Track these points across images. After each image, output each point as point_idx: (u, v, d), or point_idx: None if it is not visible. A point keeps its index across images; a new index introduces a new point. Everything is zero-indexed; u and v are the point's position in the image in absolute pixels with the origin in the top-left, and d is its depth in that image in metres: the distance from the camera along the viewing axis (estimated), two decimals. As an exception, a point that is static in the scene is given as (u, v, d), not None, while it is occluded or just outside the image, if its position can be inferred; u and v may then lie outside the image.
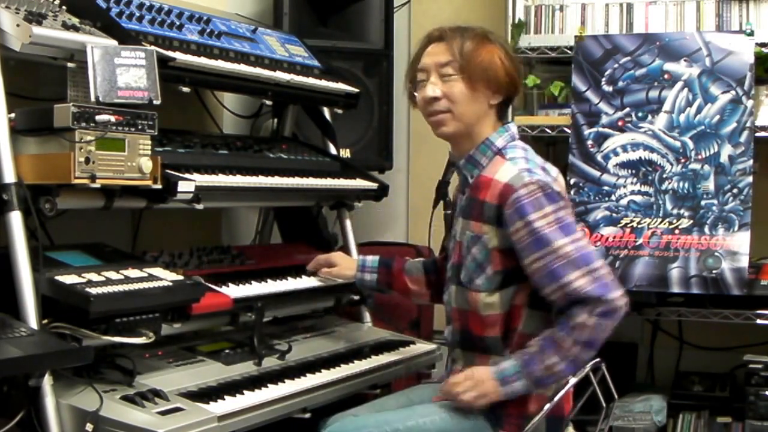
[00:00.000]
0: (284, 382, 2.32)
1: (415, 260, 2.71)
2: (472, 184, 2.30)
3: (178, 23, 2.52)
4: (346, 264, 2.71)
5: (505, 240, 2.22)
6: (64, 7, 2.24)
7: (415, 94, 2.37)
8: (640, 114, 3.34)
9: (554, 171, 2.31)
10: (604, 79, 3.38)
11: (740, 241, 3.19)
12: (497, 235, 2.23)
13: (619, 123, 3.36)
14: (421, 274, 2.65)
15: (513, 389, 2.19)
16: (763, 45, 3.28)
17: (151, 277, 2.14)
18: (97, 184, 2.02)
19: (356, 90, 3.02)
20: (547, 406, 2.20)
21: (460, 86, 2.27)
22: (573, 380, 2.21)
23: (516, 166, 2.23)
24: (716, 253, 3.20)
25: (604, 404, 2.33)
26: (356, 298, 2.92)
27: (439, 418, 2.20)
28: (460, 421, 2.20)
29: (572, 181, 3.38)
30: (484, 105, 2.29)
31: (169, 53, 2.34)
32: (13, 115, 2.04)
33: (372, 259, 2.68)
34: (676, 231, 3.26)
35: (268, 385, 2.27)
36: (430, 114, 2.33)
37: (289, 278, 2.66)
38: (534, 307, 2.25)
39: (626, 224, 3.32)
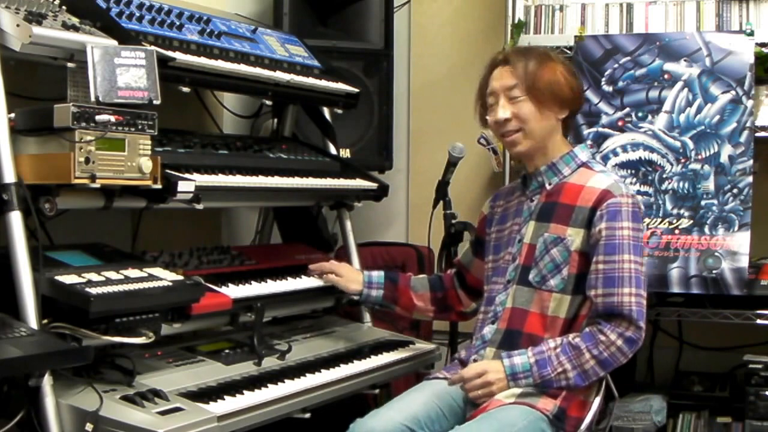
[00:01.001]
0: (284, 382, 2.32)
1: (420, 277, 2.76)
2: (551, 190, 2.42)
3: (178, 23, 2.52)
4: (352, 277, 2.73)
5: (587, 242, 2.33)
6: (64, 7, 2.24)
7: (487, 117, 2.48)
8: (640, 114, 3.34)
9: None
10: (604, 79, 3.38)
11: (740, 241, 3.19)
12: (582, 238, 2.34)
13: (619, 123, 3.36)
14: (427, 291, 2.71)
15: (518, 385, 2.29)
16: (763, 45, 3.28)
17: (151, 277, 2.14)
18: (97, 184, 2.02)
19: (356, 90, 3.02)
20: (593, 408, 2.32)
21: (528, 106, 2.39)
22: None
23: (610, 177, 2.39)
24: (716, 253, 3.20)
25: (617, 395, 2.43)
26: (356, 298, 2.91)
27: (523, 426, 2.21)
28: (533, 425, 2.23)
29: (572, 181, 3.38)
30: (552, 120, 2.43)
31: (169, 53, 2.34)
32: (13, 115, 2.04)
33: (377, 275, 2.72)
34: (676, 231, 3.26)
35: (268, 385, 2.27)
36: (503, 135, 2.46)
37: (288, 278, 2.66)
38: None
39: (626, 224, 3.31)
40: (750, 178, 3.21)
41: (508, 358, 2.30)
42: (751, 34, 3.25)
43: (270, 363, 2.44)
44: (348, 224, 3.09)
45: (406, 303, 2.70)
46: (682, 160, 3.28)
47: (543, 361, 2.27)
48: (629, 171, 3.33)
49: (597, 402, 2.34)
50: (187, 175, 2.29)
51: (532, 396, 2.28)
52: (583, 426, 2.29)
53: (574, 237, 2.34)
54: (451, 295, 2.70)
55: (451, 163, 2.89)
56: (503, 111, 2.40)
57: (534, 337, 2.34)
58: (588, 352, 2.25)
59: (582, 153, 2.46)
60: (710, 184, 3.24)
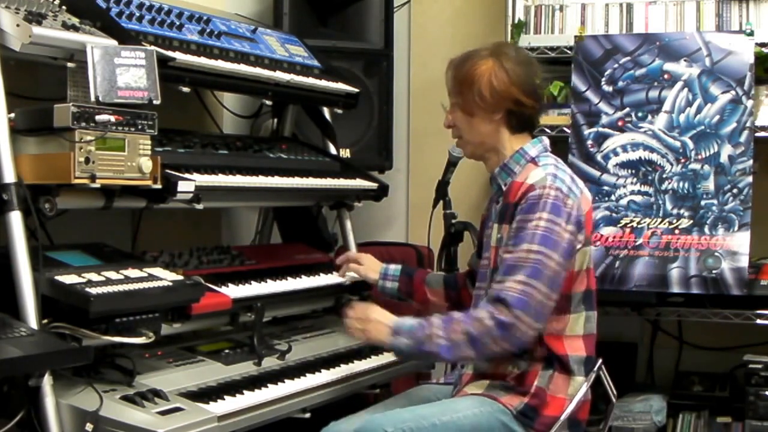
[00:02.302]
0: (284, 382, 2.33)
1: (437, 273, 2.77)
2: (505, 191, 2.37)
3: (178, 23, 2.52)
4: (372, 266, 2.76)
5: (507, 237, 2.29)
6: (64, 7, 2.24)
7: None
8: (640, 114, 3.34)
9: (582, 186, 2.37)
10: (603, 79, 3.38)
11: (740, 241, 3.18)
12: (506, 234, 2.30)
13: (619, 123, 3.36)
14: (441, 288, 2.71)
15: (398, 343, 2.26)
16: (763, 45, 3.28)
17: (151, 277, 2.14)
18: (97, 184, 2.02)
19: (356, 90, 3.02)
20: (569, 408, 2.25)
21: (458, 114, 2.41)
22: (585, 386, 2.27)
23: (545, 171, 2.31)
24: (716, 253, 3.20)
25: (617, 395, 2.39)
26: (356, 298, 2.91)
27: (472, 413, 2.22)
28: (491, 416, 2.23)
29: (572, 181, 3.38)
30: (487, 123, 2.38)
31: (169, 53, 2.34)
32: (13, 115, 2.04)
33: (394, 268, 2.74)
34: (676, 231, 3.26)
35: (268, 385, 2.27)
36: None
37: (288, 278, 2.66)
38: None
39: (626, 224, 3.32)
40: (750, 178, 3.20)
41: (402, 318, 2.30)
42: (751, 34, 3.25)
43: (270, 363, 2.44)
44: (348, 224, 3.09)
45: (420, 297, 2.71)
46: (682, 160, 3.28)
47: (424, 325, 2.25)
48: (629, 171, 3.33)
49: (575, 401, 2.27)
50: (187, 175, 2.29)
51: (498, 390, 2.28)
52: (556, 426, 2.24)
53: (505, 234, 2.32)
54: (464, 294, 2.69)
55: (451, 163, 2.89)
56: (447, 118, 2.44)
57: None
58: (460, 324, 2.22)
59: (532, 149, 2.38)
60: (710, 184, 3.24)
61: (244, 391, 2.19)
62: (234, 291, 2.42)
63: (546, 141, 2.43)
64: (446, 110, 2.45)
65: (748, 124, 3.21)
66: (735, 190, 3.21)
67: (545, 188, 2.25)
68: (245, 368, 2.36)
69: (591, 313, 2.35)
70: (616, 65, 3.37)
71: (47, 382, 1.89)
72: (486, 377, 2.33)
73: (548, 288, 2.21)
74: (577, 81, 3.42)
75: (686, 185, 3.27)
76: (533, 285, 2.19)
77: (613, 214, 3.33)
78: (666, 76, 3.31)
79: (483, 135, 2.39)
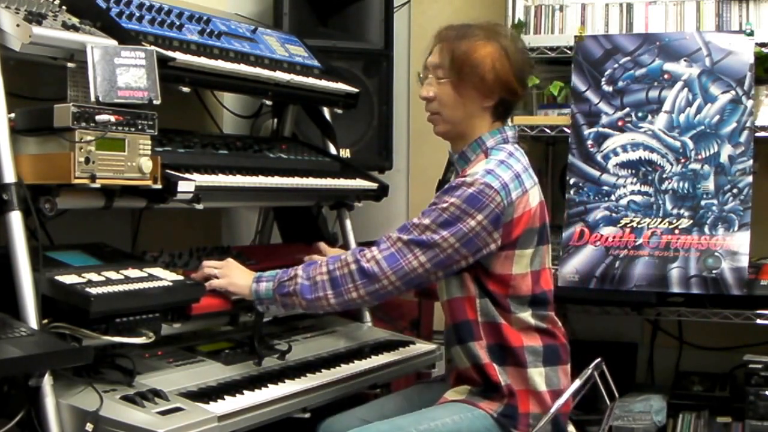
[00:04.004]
0: (284, 382, 2.32)
1: None
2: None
3: (178, 23, 2.52)
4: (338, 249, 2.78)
5: None
6: (64, 7, 2.24)
7: None
8: (640, 114, 3.34)
9: (532, 186, 2.28)
10: (603, 79, 3.38)
11: (740, 241, 3.19)
12: None
13: (619, 123, 3.36)
14: None
15: (260, 288, 2.30)
16: (763, 45, 3.28)
17: (151, 277, 2.14)
18: (97, 184, 2.02)
19: (356, 90, 3.02)
20: (557, 404, 2.20)
21: (447, 90, 2.30)
22: (577, 382, 2.22)
23: (487, 165, 2.24)
24: (716, 253, 3.20)
25: (617, 395, 2.36)
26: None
27: (451, 420, 2.20)
28: (472, 423, 2.21)
29: (572, 181, 3.38)
30: (474, 108, 2.30)
31: (169, 53, 2.34)
32: (13, 115, 2.03)
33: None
34: (676, 231, 3.26)
35: (268, 385, 2.27)
36: (426, 112, 2.37)
37: (289, 278, 2.65)
38: (486, 295, 2.27)
39: (626, 224, 3.32)
40: (750, 178, 3.21)
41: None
42: (751, 34, 3.25)
43: (270, 363, 2.44)
44: (348, 224, 3.09)
45: None
46: (682, 160, 3.28)
47: (288, 270, 2.29)
48: (629, 171, 3.33)
49: (563, 398, 2.23)
50: (187, 175, 2.29)
51: (476, 396, 2.26)
52: (541, 423, 2.20)
53: None
54: (434, 285, 2.65)
55: (452, 163, 2.88)
56: (427, 89, 2.32)
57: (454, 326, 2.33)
58: (324, 266, 2.25)
59: (490, 139, 2.31)
60: (710, 184, 3.25)
61: (244, 391, 2.19)
62: (234, 291, 2.41)
63: (509, 132, 2.34)
64: (424, 80, 2.34)
65: (748, 124, 3.22)
66: (735, 190, 3.21)
67: (473, 179, 2.19)
68: (245, 368, 2.36)
69: (545, 313, 2.32)
70: (616, 65, 3.37)
71: (47, 382, 1.89)
72: (465, 381, 2.32)
73: (430, 263, 2.19)
74: (577, 81, 3.42)
75: (686, 185, 3.27)
76: (414, 252, 2.19)
77: (613, 214, 3.33)
78: (666, 76, 3.32)
79: (465, 116, 2.31)
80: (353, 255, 2.24)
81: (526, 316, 2.27)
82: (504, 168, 2.24)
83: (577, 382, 2.22)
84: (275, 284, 2.29)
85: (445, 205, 2.18)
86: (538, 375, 2.25)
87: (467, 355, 2.29)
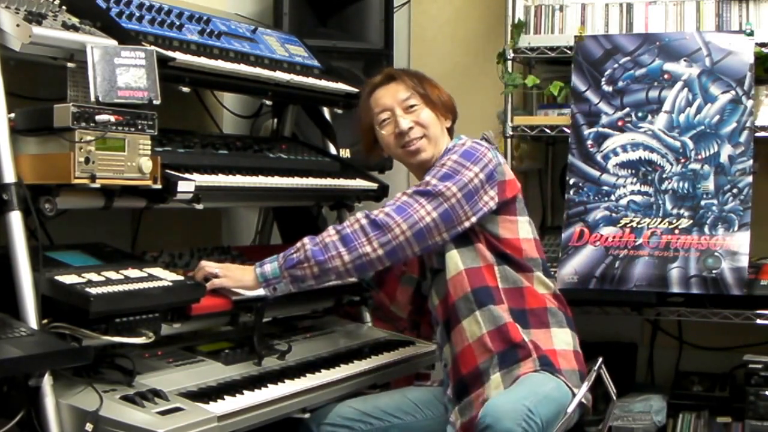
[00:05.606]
0: (284, 382, 2.32)
1: (413, 275, 2.70)
2: None
3: (178, 23, 2.52)
4: None
5: None
6: (64, 7, 2.24)
7: (383, 132, 2.51)
8: (639, 114, 3.34)
9: (497, 153, 2.46)
10: (603, 79, 3.38)
11: (740, 241, 3.18)
12: None
13: (619, 123, 3.36)
14: (411, 288, 2.68)
15: (264, 269, 2.34)
16: (763, 45, 3.28)
17: (151, 277, 2.14)
18: (97, 184, 2.02)
19: (356, 90, 3.02)
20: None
21: (427, 112, 2.48)
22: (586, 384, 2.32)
23: (459, 138, 2.49)
24: (716, 253, 3.20)
25: (617, 395, 2.45)
26: (356, 298, 2.91)
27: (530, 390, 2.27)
28: (543, 382, 2.28)
29: (572, 181, 3.38)
30: (442, 125, 2.53)
31: (169, 53, 2.34)
32: (13, 115, 2.03)
33: None
34: (676, 231, 3.26)
35: (268, 385, 2.27)
36: (405, 145, 2.49)
37: (289, 278, 2.65)
38: (504, 261, 2.40)
39: (626, 224, 3.31)
40: (750, 178, 3.20)
41: None
42: (751, 34, 3.25)
43: (270, 363, 2.44)
44: (348, 224, 3.08)
45: (389, 291, 2.71)
46: (682, 160, 3.28)
47: (296, 245, 2.34)
48: (629, 171, 3.33)
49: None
50: (187, 175, 2.29)
51: (513, 365, 2.32)
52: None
53: None
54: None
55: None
56: (404, 121, 2.47)
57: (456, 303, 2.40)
58: (333, 229, 2.32)
59: (451, 143, 2.50)
60: (710, 184, 3.24)
61: (244, 391, 2.19)
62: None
63: (466, 138, 2.52)
64: (399, 115, 2.48)
65: (748, 124, 3.21)
66: (735, 190, 3.21)
67: (462, 141, 2.43)
68: (245, 368, 2.36)
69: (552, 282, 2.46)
70: (616, 65, 3.37)
71: (47, 382, 1.89)
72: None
73: (436, 213, 2.30)
74: (577, 81, 3.42)
75: (686, 185, 3.27)
76: (420, 201, 2.31)
77: (613, 214, 3.33)
78: (666, 76, 3.31)
79: (440, 134, 2.50)
80: (362, 213, 2.32)
81: (545, 278, 2.42)
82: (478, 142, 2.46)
83: (586, 384, 2.30)
84: (282, 260, 2.33)
85: (443, 161, 2.38)
86: (561, 334, 2.37)
87: (488, 318, 2.33)
